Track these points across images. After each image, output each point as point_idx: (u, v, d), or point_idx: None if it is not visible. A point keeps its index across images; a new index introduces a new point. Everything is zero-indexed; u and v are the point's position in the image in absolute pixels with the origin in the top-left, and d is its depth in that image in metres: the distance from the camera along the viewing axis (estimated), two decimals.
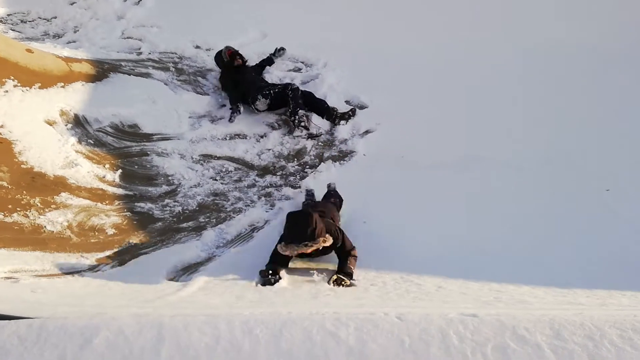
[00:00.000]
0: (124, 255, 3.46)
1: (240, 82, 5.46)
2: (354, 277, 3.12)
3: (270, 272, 3.10)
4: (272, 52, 6.12)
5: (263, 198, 4.46)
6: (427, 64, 5.90)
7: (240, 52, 5.79)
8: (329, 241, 3.11)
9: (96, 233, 3.65)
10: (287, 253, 3.10)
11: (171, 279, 3.14)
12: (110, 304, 2.11)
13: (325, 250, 3.23)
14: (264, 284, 3.00)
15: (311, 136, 5.18)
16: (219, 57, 5.76)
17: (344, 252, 3.25)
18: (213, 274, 3.14)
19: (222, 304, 2.25)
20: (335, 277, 3.08)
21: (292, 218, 3.16)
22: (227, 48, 5.70)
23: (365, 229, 3.90)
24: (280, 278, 3.09)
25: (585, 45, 5.65)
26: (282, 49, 6.17)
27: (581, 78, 5.30)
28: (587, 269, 3.27)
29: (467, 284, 2.94)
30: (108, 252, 3.44)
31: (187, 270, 3.35)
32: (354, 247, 3.34)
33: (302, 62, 6.39)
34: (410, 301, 2.46)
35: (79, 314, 1.73)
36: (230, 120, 5.28)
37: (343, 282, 3.02)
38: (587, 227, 3.64)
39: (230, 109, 5.38)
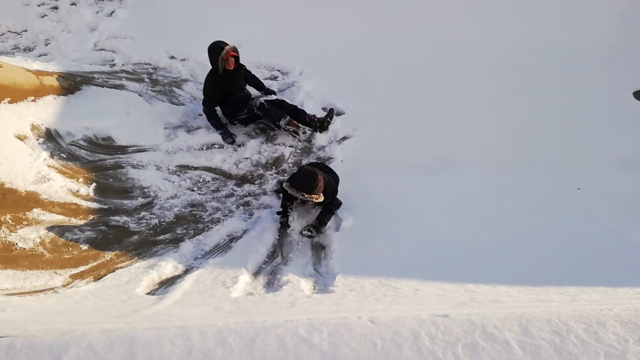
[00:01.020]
0: (100, 270, 3.40)
1: (226, 92, 5.22)
2: (323, 229, 3.97)
3: (285, 213, 4.08)
4: (264, 90, 5.66)
5: (241, 207, 4.43)
6: (403, 67, 5.98)
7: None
8: (320, 199, 3.91)
9: (70, 249, 3.59)
10: (288, 191, 3.90)
11: (148, 293, 3.10)
12: (82, 320, 2.07)
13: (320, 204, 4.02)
14: (282, 227, 4.04)
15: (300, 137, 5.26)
16: (214, 53, 5.12)
17: (327, 207, 4.08)
18: (190, 287, 3.11)
19: (199, 316, 2.23)
20: (306, 228, 3.95)
21: (305, 172, 3.94)
22: (231, 49, 5.11)
23: (343, 234, 3.91)
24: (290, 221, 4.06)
25: (564, 46, 5.79)
26: (274, 92, 5.72)
27: (556, 78, 5.43)
28: (561, 267, 3.33)
29: (444, 286, 2.97)
30: (82, 268, 3.38)
31: (164, 284, 3.31)
32: (339, 204, 4.20)
33: (278, 70, 6.42)
34: (387, 304, 2.47)
35: (48, 331, 1.70)
36: (233, 143, 5.18)
37: (307, 233, 3.90)
38: (561, 225, 3.71)
39: (224, 137, 5.20)
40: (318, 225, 3.98)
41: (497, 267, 3.25)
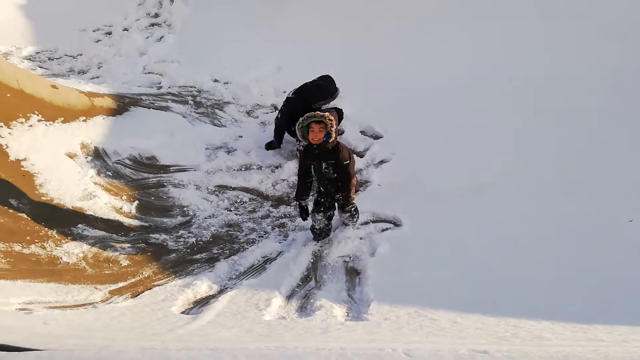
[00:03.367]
0: (137, 287, 3.47)
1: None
2: (352, 198, 3.95)
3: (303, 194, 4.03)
4: None
5: (277, 229, 4.45)
6: (441, 92, 5.92)
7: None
8: (333, 127, 3.69)
9: (110, 264, 3.68)
10: (300, 126, 3.72)
11: (183, 312, 3.12)
12: (119, 337, 2.11)
13: (337, 169, 3.82)
14: (302, 212, 4.05)
15: None
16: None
17: (344, 176, 3.85)
18: (224, 307, 3.12)
19: (231, 338, 2.22)
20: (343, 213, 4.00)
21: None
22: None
23: (378, 260, 3.84)
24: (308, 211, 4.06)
25: (595, 71, 5.59)
26: None
27: (590, 104, 5.23)
28: (609, 304, 3.13)
29: (484, 319, 2.85)
30: (121, 284, 3.45)
31: (198, 303, 3.33)
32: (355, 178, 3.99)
33: None
34: (424, 336, 2.39)
35: (86, 346, 1.73)
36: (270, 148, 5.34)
37: (350, 212, 4.01)
38: (608, 259, 3.51)
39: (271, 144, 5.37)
40: (347, 197, 3.91)
41: (538, 300, 3.09)
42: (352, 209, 4.11)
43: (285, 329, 2.58)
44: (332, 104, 5.57)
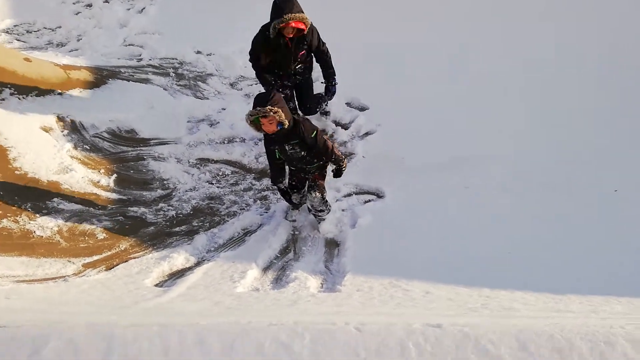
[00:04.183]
0: (113, 260, 3.44)
1: (273, 58, 4.34)
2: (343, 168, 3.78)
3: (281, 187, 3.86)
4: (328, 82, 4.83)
5: (259, 201, 4.41)
6: (428, 62, 5.79)
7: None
8: (280, 115, 3.26)
9: (86, 238, 3.64)
10: (248, 123, 3.38)
11: (156, 285, 3.10)
12: (81, 311, 2.08)
13: (298, 143, 3.51)
14: (284, 197, 3.95)
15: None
16: (272, 12, 4.05)
17: (319, 151, 3.58)
18: (198, 279, 3.09)
19: (193, 312, 2.20)
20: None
21: (258, 95, 3.47)
22: (295, 19, 3.91)
23: (359, 232, 3.81)
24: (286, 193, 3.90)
25: (590, 45, 5.45)
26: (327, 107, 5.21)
27: (585, 76, 5.11)
28: (587, 274, 3.12)
29: (457, 289, 2.83)
30: (96, 257, 3.42)
31: (174, 275, 3.31)
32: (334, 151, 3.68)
33: None
34: (392, 308, 2.37)
35: (37, 322, 1.70)
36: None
37: (342, 169, 3.76)
38: (588, 229, 3.48)
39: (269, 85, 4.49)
40: (337, 161, 3.68)
41: (517, 273, 3.07)
42: (324, 201, 3.79)
43: (255, 301, 2.56)
44: None
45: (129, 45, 6.45)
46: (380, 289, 2.83)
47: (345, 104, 5.64)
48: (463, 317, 1.91)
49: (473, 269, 3.21)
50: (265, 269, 3.41)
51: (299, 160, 3.67)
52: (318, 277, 3.21)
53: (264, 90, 4.25)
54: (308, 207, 3.84)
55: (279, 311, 2.24)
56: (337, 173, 3.84)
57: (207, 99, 5.76)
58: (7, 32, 6.63)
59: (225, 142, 5.14)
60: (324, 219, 3.95)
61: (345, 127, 5.33)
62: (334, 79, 4.71)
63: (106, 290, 2.77)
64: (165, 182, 4.55)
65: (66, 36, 6.62)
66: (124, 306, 2.37)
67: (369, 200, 4.33)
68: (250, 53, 4.42)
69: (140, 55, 6.23)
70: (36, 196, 3.85)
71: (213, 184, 4.62)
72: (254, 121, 3.35)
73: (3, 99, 4.33)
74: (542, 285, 2.92)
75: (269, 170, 4.33)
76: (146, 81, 5.69)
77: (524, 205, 3.82)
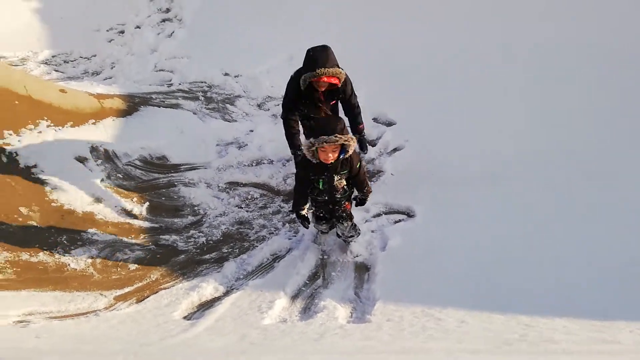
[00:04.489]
0: (144, 291, 3.47)
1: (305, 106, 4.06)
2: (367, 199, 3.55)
3: (301, 213, 3.52)
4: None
5: (287, 225, 4.37)
6: (455, 79, 5.67)
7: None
8: (354, 143, 3.07)
9: (119, 269, 3.70)
10: (311, 149, 3.06)
11: (185, 317, 3.10)
12: (103, 351, 2.08)
13: (344, 174, 3.31)
14: (302, 224, 3.62)
15: None
16: (305, 65, 3.77)
17: (360, 181, 3.41)
18: (226, 311, 3.07)
19: (220, 348, 2.17)
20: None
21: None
22: (327, 73, 3.63)
23: (389, 255, 3.71)
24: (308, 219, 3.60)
25: (591, 44, 5.19)
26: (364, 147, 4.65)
27: (614, 85, 4.85)
28: (633, 300, 2.90)
29: (493, 318, 2.69)
30: (127, 289, 3.46)
31: (203, 306, 3.30)
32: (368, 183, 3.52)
33: None
34: (423, 341, 2.26)
35: None
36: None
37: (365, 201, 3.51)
38: (630, 254, 3.24)
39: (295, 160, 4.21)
40: (367, 193, 3.43)
41: (553, 297, 2.89)
42: (354, 226, 3.71)
43: (281, 335, 2.51)
44: None
45: (160, 70, 6.62)
46: (411, 318, 2.72)
47: (372, 119, 5.57)
48: (496, 356, 1.80)
49: (509, 292, 3.05)
50: (294, 297, 3.36)
51: (338, 191, 3.40)
52: (347, 306, 3.13)
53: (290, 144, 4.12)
54: (337, 234, 3.78)
55: (303, 346, 2.18)
56: (362, 202, 3.61)
57: (235, 121, 5.82)
58: (45, 63, 6.93)
59: (254, 164, 5.16)
60: (354, 242, 3.88)
61: (372, 143, 5.25)
62: (363, 131, 4.40)
63: (135, 324, 2.79)
64: (195, 208, 4.59)
65: (100, 64, 6.86)
66: (149, 343, 2.36)
67: (400, 220, 4.23)
68: (284, 104, 4.08)
69: (170, 80, 6.38)
70: (71, 228, 3.95)
71: (242, 208, 4.62)
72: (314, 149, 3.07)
73: (40, 132, 4.49)
74: (586, 311, 2.73)
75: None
76: (176, 106, 5.81)
77: (559, 223, 3.62)
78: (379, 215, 4.33)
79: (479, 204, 4.02)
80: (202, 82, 6.40)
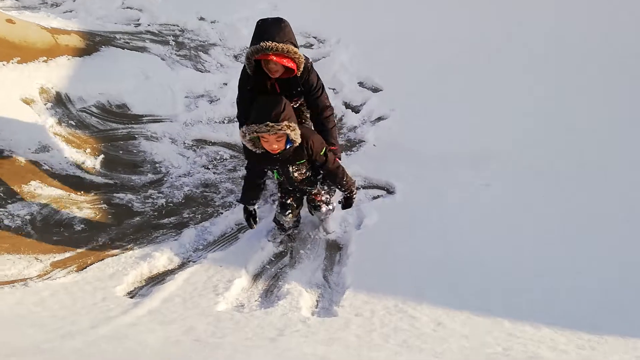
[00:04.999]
0: (87, 258, 3.08)
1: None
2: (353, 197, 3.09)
3: (249, 208, 3.05)
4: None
5: None
6: (449, 44, 5.27)
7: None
8: (297, 132, 2.58)
9: (62, 229, 3.29)
10: (246, 139, 2.61)
11: (129, 293, 2.74)
12: (16, 341, 1.73)
13: (304, 163, 2.84)
14: (247, 222, 3.10)
15: None
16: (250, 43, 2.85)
17: (331, 173, 2.89)
18: (177, 289, 2.73)
19: (154, 346, 1.84)
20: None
21: (260, 99, 2.65)
22: (274, 51, 2.62)
23: (363, 234, 3.40)
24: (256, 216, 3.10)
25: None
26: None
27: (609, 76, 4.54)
28: (628, 309, 2.66)
29: (474, 320, 2.43)
30: (69, 254, 3.07)
31: (153, 280, 2.95)
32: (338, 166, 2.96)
33: (315, 37, 5.86)
34: (394, 347, 1.98)
35: None
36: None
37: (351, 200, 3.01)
38: (627, 257, 3.00)
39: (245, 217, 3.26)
40: (349, 191, 2.96)
41: (538, 298, 2.64)
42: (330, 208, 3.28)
43: (234, 328, 2.19)
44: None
45: (127, 8, 5.98)
46: (383, 314, 2.44)
47: (358, 83, 5.17)
48: None
49: (493, 289, 2.80)
50: (256, 277, 3.03)
51: (302, 182, 3.01)
52: (314, 292, 2.82)
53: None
54: (311, 212, 3.43)
55: (257, 349, 1.87)
56: (347, 203, 3.12)
57: (209, 71, 5.32)
58: None
59: (226, 121, 4.72)
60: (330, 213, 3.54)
61: (355, 110, 4.87)
62: (333, 144, 3.11)
63: (67, 300, 2.42)
64: (157, 165, 4.17)
65: None
66: (73, 334, 2.00)
67: (378, 196, 3.90)
68: (237, 102, 3.15)
69: (138, 20, 5.77)
70: (10, 179, 3.49)
71: (209, 169, 4.22)
72: (253, 138, 2.59)
73: None
74: (574, 319, 2.50)
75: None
76: (143, 49, 5.25)
77: (550, 216, 3.35)
78: (357, 189, 3.99)
79: (466, 189, 3.71)
80: (174, 25, 5.80)
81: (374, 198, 3.89)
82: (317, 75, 3.02)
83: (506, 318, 2.45)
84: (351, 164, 4.19)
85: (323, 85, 3.04)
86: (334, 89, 5.08)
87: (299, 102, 3.18)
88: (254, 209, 3.09)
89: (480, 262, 2.91)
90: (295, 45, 2.72)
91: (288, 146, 2.65)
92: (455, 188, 3.82)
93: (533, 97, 4.56)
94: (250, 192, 3.01)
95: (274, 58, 2.63)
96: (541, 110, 4.42)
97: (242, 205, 3.78)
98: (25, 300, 2.36)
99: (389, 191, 3.97)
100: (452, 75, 4.96)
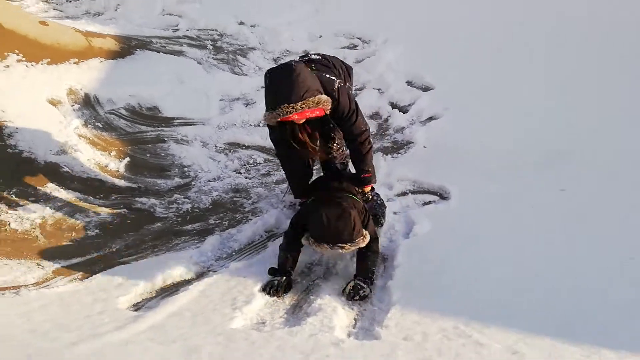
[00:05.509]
0: (96, 265, 2.73)
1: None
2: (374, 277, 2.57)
3: (280, 272, 2.56)
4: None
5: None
6: (507, 39, 4.75)
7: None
8: (367, 238, 2.54)
9: (73, 234, 2.97)
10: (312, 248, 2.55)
11: (135, 304, 2.34)
12: None
13: None
14: (267, 289, 2.47)
15: None
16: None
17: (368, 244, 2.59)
18: (189, 302, 2.30)
19: None
20: (352, 284, 2.47)
21: (327, 217, 2.47)
22: (289, 112, 2.42)
23: (413, 244, 2.87)
24: (290, 280, 2.56)
25: None
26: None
27: None
28: None
29: (560, 349, 1.83)
30: (76, 260, 2.73)
31: (164, 291, 2.54)
32: (377, 237, 2.70)
33: (359, 38, 5.49)
34: None
35: None
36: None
37: (362, 292, 2.42)
38: None
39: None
40: (368, 276, 2.53)
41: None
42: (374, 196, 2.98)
43: (248, 349, 1.73)
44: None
45: (167, 14, 5.85)
46: (440, 339, 1.89)
47: (406, 82, 4.71)
48: None
49: (584, 310, 2.18)
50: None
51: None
52: (351, 310, 2.31)
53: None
54: None
55: None
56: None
57: (246, 75, 5.03)
58: (46, 0, 6.22)
59: (261, 125, 4.34)
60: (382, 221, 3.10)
61: (403, 110, 4.40)
62: (369, 182, 2.86)
63: (59, 312, 2.05)
64: (185, 169, 3.84)
65: (104, 5, 6.11)
66: (42, 352, 1.60)
67: (430, 202, 3.38)
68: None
69: (177, 25, 5.62)
70: (26, 180, 3.24)
71: (241, 173, 3.85)
72: None
73: (7, 66, 3.78)
74: None
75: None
76: (179, 53, 5.04)
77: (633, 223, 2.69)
78: (404, 194, 3.49)
79: (532, 191, 3.14)
80: (212, 30, 5.60)
81: (425, 204, 3.37)
82: (349, 95, 2.70)
83: (605, 344, 1.84)
84: (398, 167, 3.73)
85: (356, 107, 2.70)
86: (379, 89, 4.66)
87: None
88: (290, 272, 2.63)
89: (555, 274, 2.31)
90: (315, 90, 2.44)
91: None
92: (521, 192, 3.24)
93: (610, 91, 3.93)
94: (292, 253, 2.66)
95: (297, 117, 2.43)
96: (621, 106, 3.77)
97: (273, 211, 3.39)
98: (10, 311, 2.01)
99: (442, 197, 3.44)
100: (511, 72, 4.41)
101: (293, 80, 2.39)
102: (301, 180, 2.91)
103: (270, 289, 2.45)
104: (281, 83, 2.44)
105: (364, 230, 2.52)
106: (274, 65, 2.77)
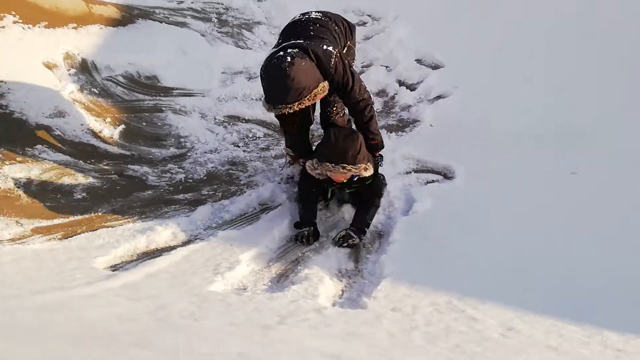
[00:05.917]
0: (79, 226, 2.62)
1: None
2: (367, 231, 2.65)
3: (306, 223, 2.66)
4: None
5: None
6: (519, 15, 4.54)
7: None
8: (370, 171, 2.61)
9: (59, 195, 2.87)
10: (316, 172, 2.63)
11: (112, 266, 2.23)
12: None
13: (357, 186, 2.74)
14: (299, 240, 2.59)
15: None
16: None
17: (371, 193, 2.74)
18: (170, 264, 2.18)
19: (96, 320, 1.29)
20: (343, 232, 2.58)
21: (335, 135, 2.60)
22: (281, 108, 2.55)
23: (412, 221, 2.73)
24: (317, 229, 2.66)
25: None
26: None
27: None
28: None
29: (560, 327, 1.68)
30: (58, 221, 2.62)
31: (147, 255, 2.42)
32: (382, 193, 2.84)
33: (369, 15, 5.30)
34: (444, 357, 1.30)
35: None
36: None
37: (350, 241, 2.53)
38: None
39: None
40: (361, 227, 2.61)
41: None
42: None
43: (223, 309, 1.60)
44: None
45: None
46: (430, 312, 1.75)
47: (415, 60, 4.54)
48: None
49: (588, 291, 2.02)
50: (272, 259, 2.42)
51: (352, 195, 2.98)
52: (340, 280, 2.17)
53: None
54: None
55: (232, 339, 1.26)
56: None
57: (250, 49, 4.88)
58: None
59: (263, 98, 4.21)
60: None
61: (411, 87, 4.24)
62: (377, 149, 2.88)
63: (31, 267, 1.94)
64: (182, 139, 3.72)
65: None
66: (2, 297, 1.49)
67: (433, 181, 3.23)
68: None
69: None
70: (15, 140, 3.14)
71: (239, 146, 3.72)
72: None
73: (3, 27, 3.68)
74: None
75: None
76: (183, 25, 4.89)
77: None
78: (408, 172, 3.34)
79: (541, 172, 2.98)
80: (218, 3, 5.44)
81: (428, 183, 3.23)
82: (344, 66, 2.64)
83: (608, 326, 1.68)
84: (403, 146, 3.59)
85: (353, 77, 2.67)
86: (387, 67, 4.50)
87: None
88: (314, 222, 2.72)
89: (568, 256, 2.15)
90: (311, 86, 2.47)
91: (355, 178, 2.61)
92: (530, 173, 3.08)
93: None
94: (312, 211, 2.76)
95: (296, 108, 2.48)
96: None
97: (269, 184, 3.27)
98: None
99: (447, 176, 3.29)
100: (520, 49, 4.24)
101: (288, 86, 2.42)
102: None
103: (302, 238, 2.57)
104: (277, 88, 2.50)
105: (368, 163, 2.57)
106: (269, 59, 2.64)
